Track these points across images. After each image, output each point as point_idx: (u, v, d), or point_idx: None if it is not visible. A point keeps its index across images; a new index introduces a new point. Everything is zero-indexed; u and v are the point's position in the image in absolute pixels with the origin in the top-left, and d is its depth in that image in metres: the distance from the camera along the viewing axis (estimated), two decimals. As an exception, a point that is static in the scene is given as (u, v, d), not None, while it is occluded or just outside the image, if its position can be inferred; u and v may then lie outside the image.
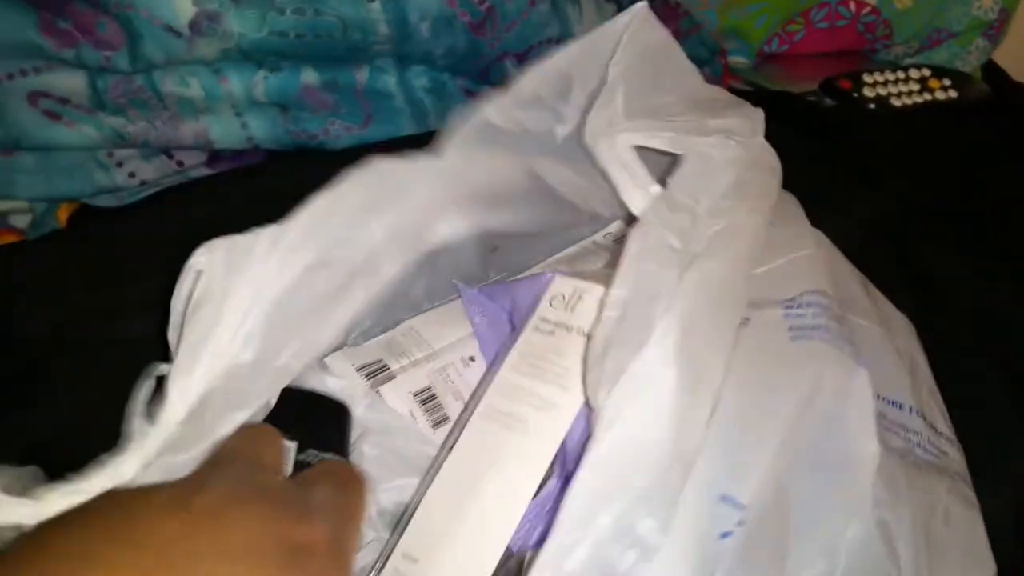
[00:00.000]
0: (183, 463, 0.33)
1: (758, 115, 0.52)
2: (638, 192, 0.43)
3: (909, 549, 0.39)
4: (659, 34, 0.50)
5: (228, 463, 0.29)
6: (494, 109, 0.48)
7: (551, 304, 0.44)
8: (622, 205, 0.43)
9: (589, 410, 0.37)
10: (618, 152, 0.44)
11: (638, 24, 0.48)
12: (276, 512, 0.25)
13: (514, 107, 0.48)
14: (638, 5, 0.49)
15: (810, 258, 0.49)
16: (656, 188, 0.43)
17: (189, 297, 0.39)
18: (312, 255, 0.41)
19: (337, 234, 0.42)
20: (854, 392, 0.41)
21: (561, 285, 0.45)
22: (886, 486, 0.40)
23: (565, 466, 0.40)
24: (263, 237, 0.40)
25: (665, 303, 0.37)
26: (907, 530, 0.40)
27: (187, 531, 0.22)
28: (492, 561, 0.37)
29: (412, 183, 0.45)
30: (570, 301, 0.44)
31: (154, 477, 0.32)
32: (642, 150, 0.45)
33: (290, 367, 0.40)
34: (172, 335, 0.39)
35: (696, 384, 0.36)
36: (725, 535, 0.36)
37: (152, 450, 0.34)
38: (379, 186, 0.44)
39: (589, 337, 0.38)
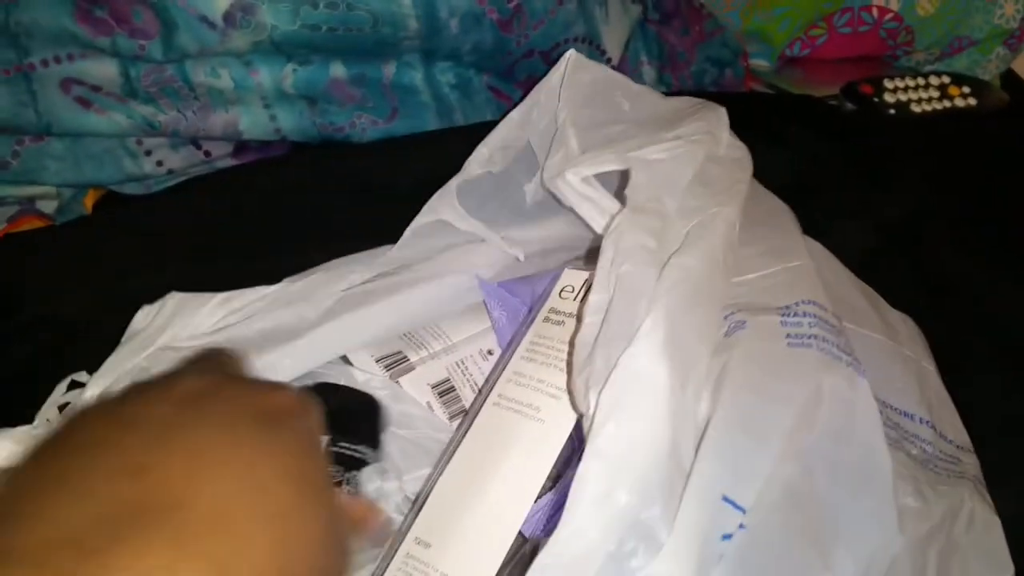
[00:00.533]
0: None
1: (717, 114, 0.53)
2: (605, 219, 0.44)
3: (934, 558, 0.40)
4: (597, 71, 0.53)
5: (198, 366, 0.33)
6: (445, 206, 0.52)
7: (560, 295, 0.45)
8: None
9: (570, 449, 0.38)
10: (575, 186, 0.46)
11: (572, 69, 0.51)
12: (247, 388, 0.29)
13: (464, 192, 0.53)
14: (568, 53, 0.52)
15: (803, 268, 0.50)
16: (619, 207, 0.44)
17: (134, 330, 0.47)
18: (257, 322, 0.47)
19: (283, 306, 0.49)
20: (858, 402, 0.41)
21: (570, 277, 0.46)
22: (914, 495, 0.41)
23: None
24: (217, 297, 0.48)
25: (647, 301, 0.37)
26: (935, 539, 0.40)
27: (175, 412, 0.26)
28: (504, 546, 0.37)
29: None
30: (579, 292, 0.44)
31: None
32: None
33: None
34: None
35: (686, 376, 0.37)
36: (726, 536, 0.37)
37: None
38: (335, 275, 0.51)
39: (571, 345, 0.39)
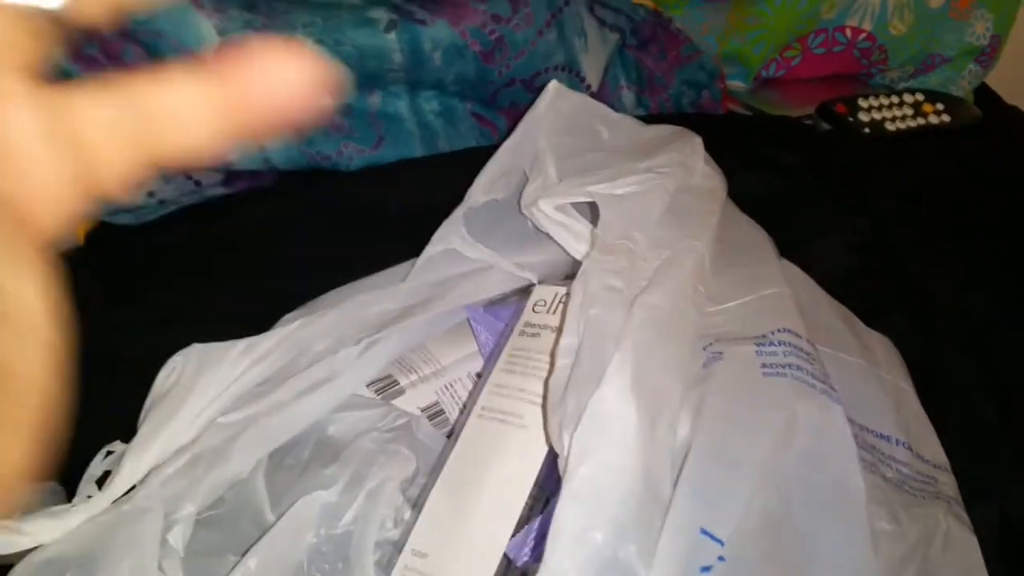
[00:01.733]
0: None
1: (692, 144, 0.55)
2: (581, 244, 0.46)
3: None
4: (577, 101, 0.54)
5: None
6: (453, 235, 0.53)
7: (534, 309, 0.47)
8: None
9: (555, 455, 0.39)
10: (549, 214, 0.47)
11: (553, 99, 0.53)
12: None
13: (470, 221, 0.53)
14: (551, 83, 0.54)
15: (779, 296, 0.51)
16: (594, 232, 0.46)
17: (160, 390, 0.46)
18: (279, 366, 0.46)
19: (304, 350, 0.48)
20: (832, 428, 0.43)
21: (542, 292, 0.47)
22: (889, 519, 0.42)
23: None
24: (239, 345, 0.46)
25: (615, 342, 0.39)
26: (910, 562, 0.41)
27: None
28: (497, 551, 0.38)
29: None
30: (551, 305, 0.46)
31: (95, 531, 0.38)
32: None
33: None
34: (140, 420, 0.45)
35: (657, 412, 0.38)
36: (705, 569, 0.38)
37: (96, 510, 0.39)
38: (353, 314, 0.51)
39: (546, 387, 0.40)
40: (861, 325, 0.56)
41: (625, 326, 0.39)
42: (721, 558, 0.38)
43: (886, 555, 0.40)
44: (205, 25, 0.61)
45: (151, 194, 0.69)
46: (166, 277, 0.64)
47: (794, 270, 0.56)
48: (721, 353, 0.45)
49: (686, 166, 0.55)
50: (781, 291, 0.51)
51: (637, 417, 0.36)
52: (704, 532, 0.39)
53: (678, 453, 0.41)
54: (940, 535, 0.43)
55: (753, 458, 0.41)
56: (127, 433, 0.44)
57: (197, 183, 0.71)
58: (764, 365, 0.45)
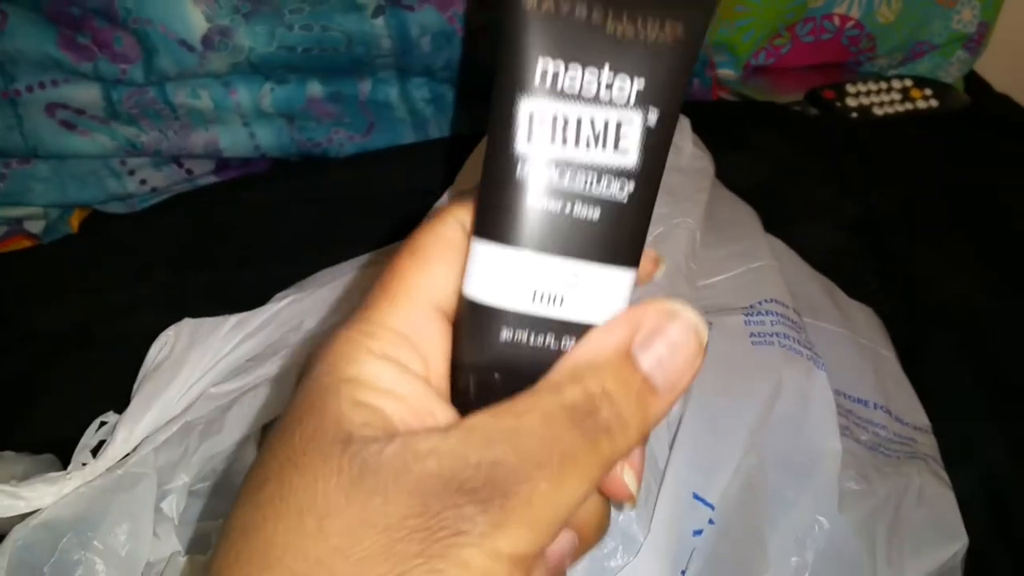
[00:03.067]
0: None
1: (680, 125, 0.55)
2: None
3: (883, 533, 0.42)
4: None
5: None
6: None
7: None
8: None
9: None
10: None
11: None
12: None
13: None
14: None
15: (767, 268, 0.52)
16: None
17: (152, 362, 0.47)
18: (269, 341, 0.47)
19: (295, 326, 0.49)
20: (814, 393, 0.44)
21: None
22: (857, 479, 0.43)
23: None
24: (231, 320, 0.47)
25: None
26: (881, 516, 0.42)
27: None
28: None
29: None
30: None
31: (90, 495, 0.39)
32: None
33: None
34: (134, 392, 0.46)
35: None
36: (697, 532, 0.39)
37: (91, 476, 0.40)
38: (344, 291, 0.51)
39: None
40: (842, 295, 0.57)
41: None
42: (711, 521, 0.39)
43: (852, 511, 0.41)
44: (194, 13, 0.62)
45: (143, 182, 0.69)
46: (159, 263, 0.65)
47: (776, 243, 0.57)
48: (711, 324, 0.46)
49: (675, 146, 0.56)
50: (768, 264, 0.52)
51: None
52: (696, 497, 0.40)
53: (672, 421, 0.42)
54: (914, 489, 0.44)
55: (742, 425, 0.42)
56: (121, 407, 0.45)
57: (189, 171, 0.71)
58: (752, 334, 0.46)
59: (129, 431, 0.40)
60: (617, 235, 0.25)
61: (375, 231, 0.59)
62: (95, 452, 0.41)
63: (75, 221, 0.70)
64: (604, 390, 0.23)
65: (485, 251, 0.24)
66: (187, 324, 0.45)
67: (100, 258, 0.66)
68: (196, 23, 0.62)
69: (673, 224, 0.50)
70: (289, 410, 0.23)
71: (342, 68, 0.68)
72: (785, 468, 0.41)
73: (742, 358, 0.45)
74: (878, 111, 0.89)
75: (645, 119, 0.24)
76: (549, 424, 0.22)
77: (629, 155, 0.24)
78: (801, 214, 0.70)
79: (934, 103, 0.93)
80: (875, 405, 0.48)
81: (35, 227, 0.70)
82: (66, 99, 0.64)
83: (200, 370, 0.43)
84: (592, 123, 0.24)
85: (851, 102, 0.89)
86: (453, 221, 0.25)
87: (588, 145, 0.24)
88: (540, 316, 0.24)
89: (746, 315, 0.48)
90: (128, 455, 0.40)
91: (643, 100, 0.24)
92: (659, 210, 0.49)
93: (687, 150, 0.58)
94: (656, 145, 0.24)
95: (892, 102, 0.90)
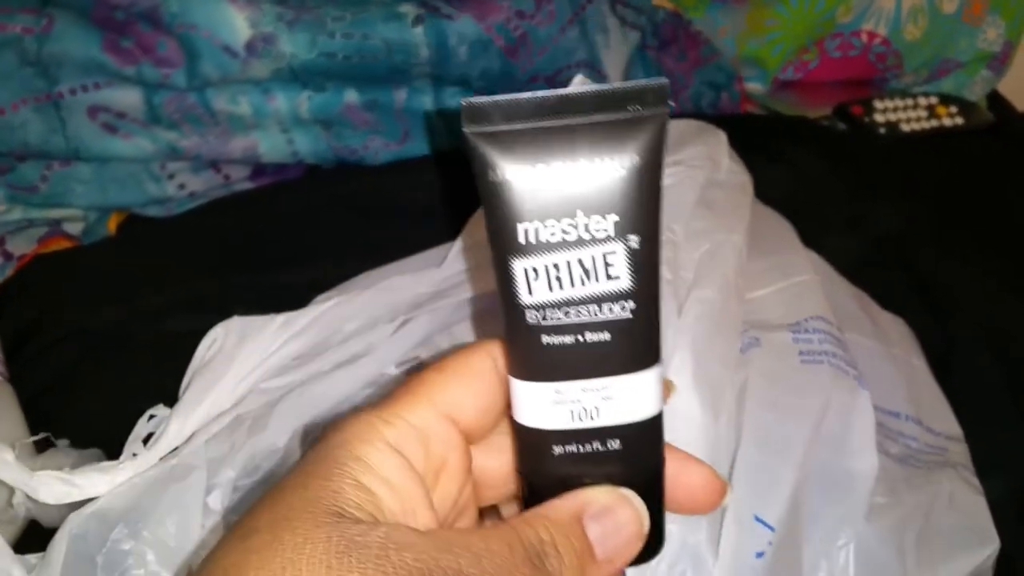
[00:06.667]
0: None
1: (717, 138, 0.56)
2: None
3: (912, 539, 0.42)
4: None
5: None
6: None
7: None
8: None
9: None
10: None
11: None
12: None
13: None
14: (576, 77, 0.55)
15: (810, 283, 0.53)
16: None
17: (203, 358, 0.47)
18: (313, 342, 0.48)
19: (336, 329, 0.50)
20: (857, 412, 0.44)
21: None
22: (885, 492, 0.43)
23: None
24: (278, 319, 0.48)
25: (672, 332, 0.40)
26: (910, 524, 0.42)
27: None
28: None
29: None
30: None
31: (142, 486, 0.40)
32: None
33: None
34: (183, 386, 0.47)
35: (717, 406, 0.40)
36: (759, 555, 0.39)
37: (144, 467, 0.41)
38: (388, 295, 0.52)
39: None
40: (875, 306, 0.58)
41: (681, 321, 0.41)
42: (770, 543, 0.40)
43: (880, 520, 0.41)
44: (238, 19, 0.63)
45: (182, 186, 0.70)
46: (198, 265, 0.66)
47: (812, 255, 0.57)
48: (758, 339, 0.46)
49: (713, 159, 0.56)
50: (811, 279, 0.53)
51: (701, 412, 0.38)
52: (758, 519, 0.40)
53: (729, 441, 0.42)
54: (944, 496, 0.44)
55: (795, 445, 0.42)
56: (169, 403, 0.45)
57: (226, 176, 0.72)
58: (801, 352, 0.47)
59: (181, 423, 0.41)
60: (631, 347, 0.27)
61: (408, 237, 0.60)
62: (145, 444, 0.42)
63: (113, 224, 0.71)
64: (553, 540, 0.26)
65: (521, 387, 0.27)
66: (236, 322, 0.46)
67: (138, 260, 0.67)
68: (240, 29, 0.63)
69: (718, 241, 0.50)
70: (296, 470, 0.25)
71: (380, 76, 0.69)
72: (823, 485, 0.42)
73: (793, 377, 0.46)
74: (905, 127, 0.90)
75: (627, 245, 0.26)
76: (510, 552, 0.25)
77: (622, 280, 0.26)
78: (828, 228, 0.70)
79: (959, 120, 0.93)
80: (907, 417, 0.49)
81: (74, 228, 0.71)
82: (108, 102, 0.65)
83: (250, 366, 0.44)
84: (580, 263, 0.26)
85: (879, 118, 0.90)
86: (485, 355, 0.29)
87: (583, 282, 0.26)
88: (582, 429, 0.27)
89: (793, 332, 0.48)
90: (178, 447, 0.41)
91: (621, 231, 0.26)
92: (700, 224, 0.50)
93: (724, 164, 0.58)
94: (644, 263, 0.26)
95: (919, 119, 0.91)
